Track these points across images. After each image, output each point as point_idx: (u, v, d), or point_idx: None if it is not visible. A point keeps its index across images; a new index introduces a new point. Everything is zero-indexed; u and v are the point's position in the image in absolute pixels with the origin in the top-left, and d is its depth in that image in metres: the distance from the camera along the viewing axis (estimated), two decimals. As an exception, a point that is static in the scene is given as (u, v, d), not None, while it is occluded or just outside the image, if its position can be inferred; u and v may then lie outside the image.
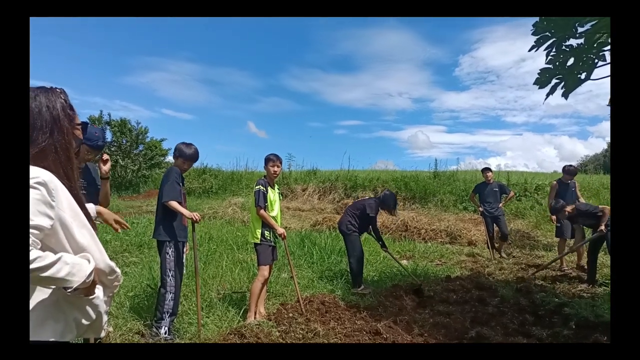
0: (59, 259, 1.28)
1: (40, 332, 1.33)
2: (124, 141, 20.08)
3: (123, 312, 4.38)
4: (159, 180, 4.03)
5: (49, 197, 1.31)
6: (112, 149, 19.85)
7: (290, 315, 4.44)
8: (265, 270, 4.45)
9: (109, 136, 19.75)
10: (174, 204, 3.84)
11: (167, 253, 3.91)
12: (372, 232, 6.22)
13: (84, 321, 1.40)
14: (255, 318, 4.40)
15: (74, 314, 1.37)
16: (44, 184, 1.30)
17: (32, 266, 1.21)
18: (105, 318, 1.54)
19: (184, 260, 4.10)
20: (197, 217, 3.91)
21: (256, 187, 4.43)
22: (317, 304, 4.78)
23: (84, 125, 1.56)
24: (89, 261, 1.40)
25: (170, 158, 21.75)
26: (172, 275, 3.91)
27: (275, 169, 4.56)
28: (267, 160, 4.58)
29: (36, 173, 1.31)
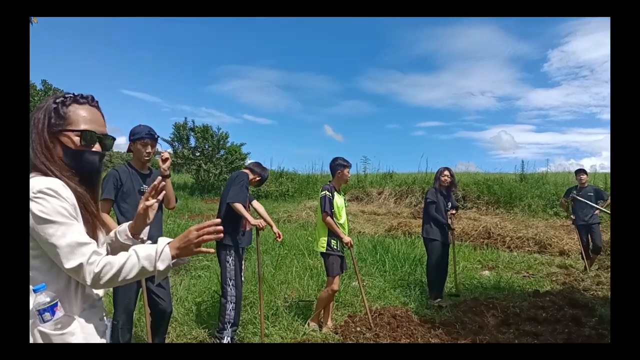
0: (125, 263, 1.30)
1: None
2: (207, 146, 21.14)
3: (189, 319, 4.42)
4: None
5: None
6: (197, 154, 21.03)
7: (358, 329, 4.24)
8: (334, 282, 4.26)
9: (192, 142, 21.01)
10: (240, 206, 3.78)
11: (227, 261, 3.88)
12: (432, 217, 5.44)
13: None
14: (320, 328, 4.25)
15: None
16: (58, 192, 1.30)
17: (106, 278, 1.27)
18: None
19: (243, 267, 4.05)
20: (262, 225, 3.84)
21: (322, 193, 4.28)
22: (387, 318, 4.52)
23: (82, 133, 1.43)
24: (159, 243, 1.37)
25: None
26: (232, 285, 3.86)
27: (349, 174, 4.46)
28: (342, 165, 4.38)
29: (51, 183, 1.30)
